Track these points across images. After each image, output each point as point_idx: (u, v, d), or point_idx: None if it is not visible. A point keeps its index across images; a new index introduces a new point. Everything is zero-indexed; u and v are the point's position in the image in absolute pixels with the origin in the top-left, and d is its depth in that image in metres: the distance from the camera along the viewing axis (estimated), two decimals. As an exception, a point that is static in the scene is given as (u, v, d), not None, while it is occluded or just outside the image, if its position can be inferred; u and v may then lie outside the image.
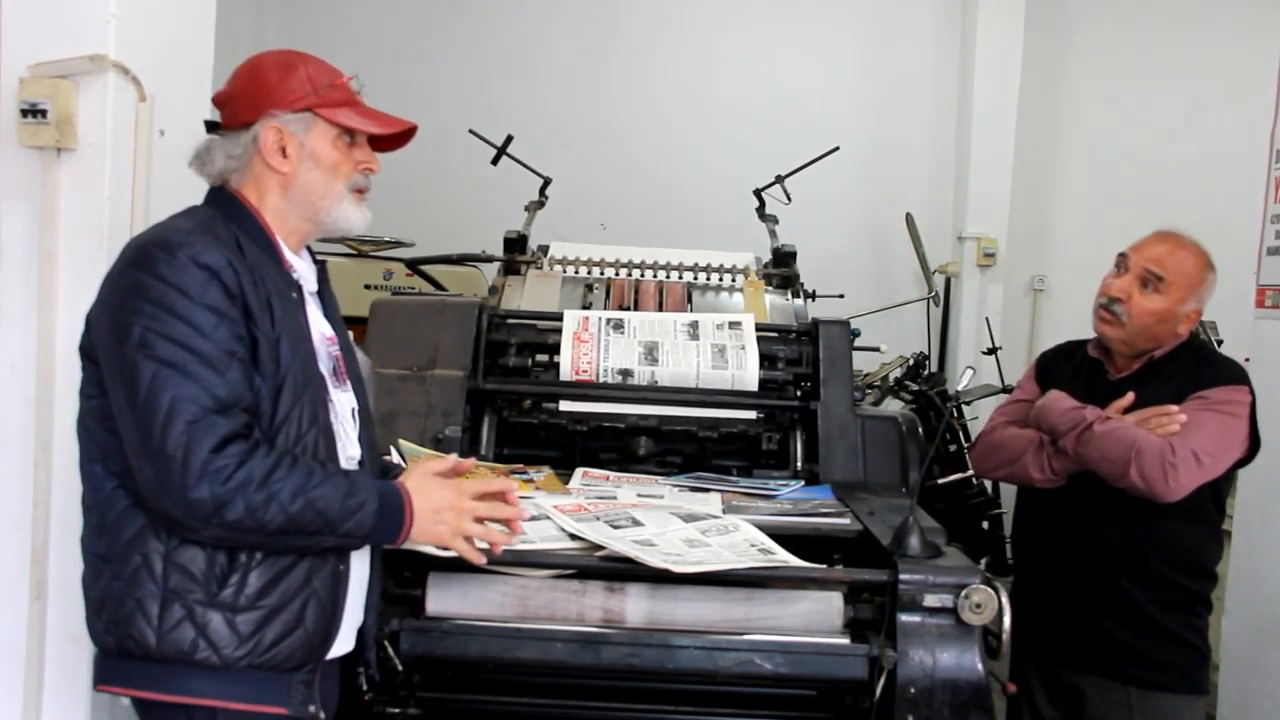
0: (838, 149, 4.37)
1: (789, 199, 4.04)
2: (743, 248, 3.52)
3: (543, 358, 2.84)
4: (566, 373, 2.70)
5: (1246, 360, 3.34)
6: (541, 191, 3.96)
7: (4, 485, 2.26)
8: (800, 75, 6.44)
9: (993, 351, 5.43)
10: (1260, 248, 3.38)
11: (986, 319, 5.83)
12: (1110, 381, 2.51)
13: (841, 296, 4.52)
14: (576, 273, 3.28)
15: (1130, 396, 2.40)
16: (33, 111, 2.17)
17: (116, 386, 1.57)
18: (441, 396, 2.64)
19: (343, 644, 1.76)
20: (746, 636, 1.95)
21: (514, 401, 2.81)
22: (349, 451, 1.79)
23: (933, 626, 1.90)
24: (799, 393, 2.82)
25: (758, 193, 4.00)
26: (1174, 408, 2.33)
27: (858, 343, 3.23)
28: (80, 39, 2.20)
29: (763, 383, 2.73)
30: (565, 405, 2.76)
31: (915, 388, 4.58)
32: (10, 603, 2.25)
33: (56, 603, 2.22)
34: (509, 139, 4.10)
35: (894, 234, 6.17)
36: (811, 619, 1.98)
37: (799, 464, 2.73)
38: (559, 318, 2.83)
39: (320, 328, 1.81)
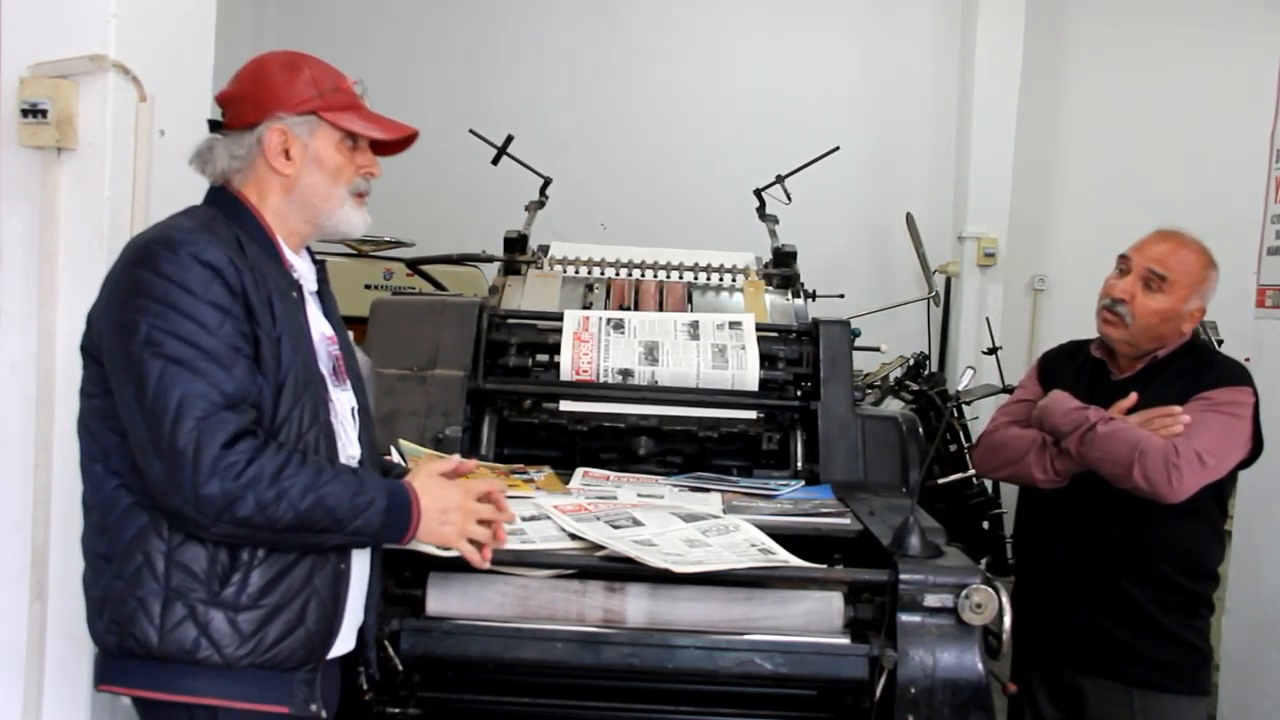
0: (838, 149, 4.37)
1: (789, 199, 4.04)
2: (743, 248, 3.52)
3: (543, 358, 2.84)
4: (567, 373, 2.70)
5: (1247, 360, 3.34)
6: (542, 191, 3.96)
7: (4, 485, 2.26)
8: (800, 75, 6.45)
9: (993, 351, 5.44)
10: (1260, 248, 3.38)
11: (987, 319, 5.83)
12: (1113, 382, 2.51)
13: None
14: (577, 273, 3.28)
15: (1133, 397, 2.39)
16: (33, 111, 2.17)
17: (124, 385, 1.57)
18: (442, 396, 2.64)
19: (343, 643, 1.76)
20: (747, 636, 1.95)
21: (514, 401, 2.81)
22: (349, 451, 1.79)
23: (933, 626, 1.90)
24: (799, 393, 2.82)
25: (758, 192, 4.00)
26: (1177, 408, 2.33)
27: (858, 343, 3.24)
28: (80, 39, 2.20)
29: (763, 383, 2.73)
30: (565, 405, 2.76)
31: (915, 388, 4.59)
32: (10, 603, 2.25)
33: (57, 603, 2.22)
34: (509, 139, 4.10)
35: (894, 234, 6.17)
36: (812, 619, 1.98)
37: (799, 464, 2.73)
38: (559, 318, 2.83)
39: (320, 327, 1.81)
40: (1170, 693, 2.42)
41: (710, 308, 3.16)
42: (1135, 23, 6.49)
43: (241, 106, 1.75)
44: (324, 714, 1.73)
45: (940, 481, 4.13)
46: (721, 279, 3.29)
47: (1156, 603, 2.40)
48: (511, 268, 3.29)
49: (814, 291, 3.55)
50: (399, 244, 5.00)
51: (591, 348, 2.73)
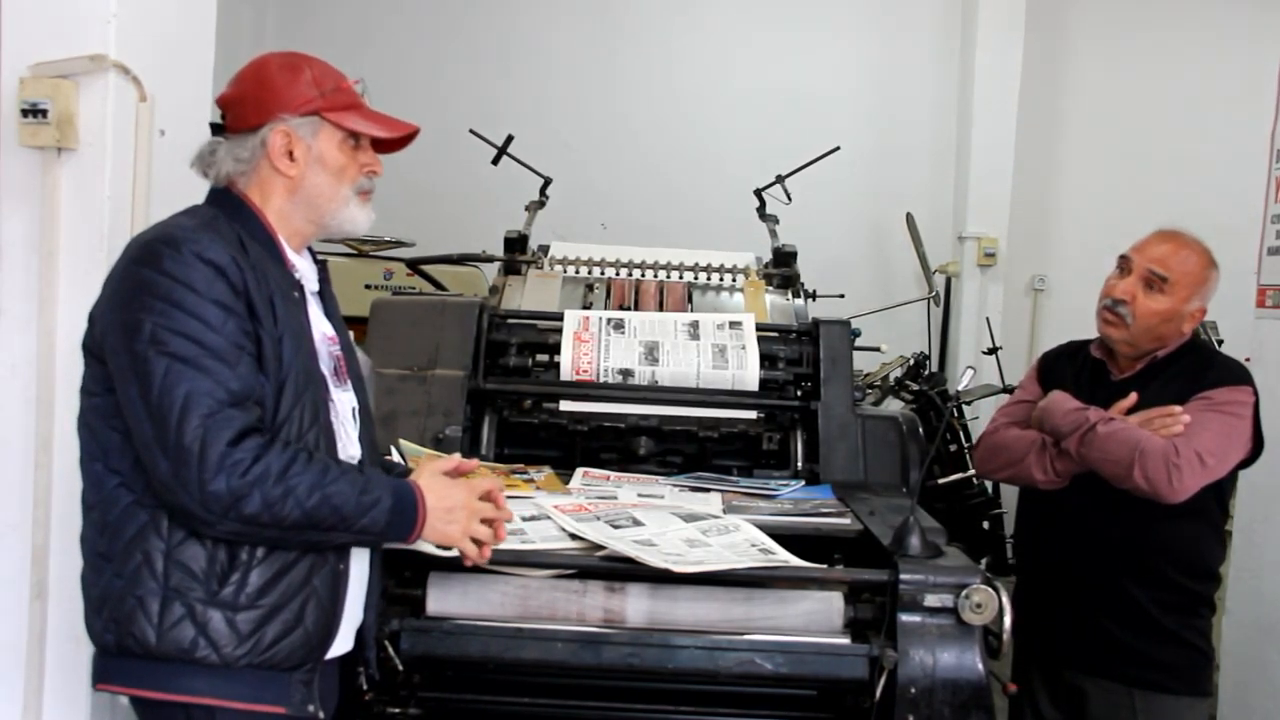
0: (838, 149, 4.37)
1: (789, 199, 4.04)
2: (743, 247, 3.52)
3: (543, 358, 2.84)
4: (567, 373, 2.70)
5: (1247, 360, 3.34)
6: (542, 191, 3.97)
7: (4, 485, 2.26)
8: (801, 75, 6.45)
9: (993, 351, 5.44)
10: (1261, 248, 3.38)
11: (987, 319, 5.83)
12: (1113, 382, 2.51)
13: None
14: (577, 272, 3.28)
15: (1133, 397, 2.39)
16: (33, 111, 2.18)
17: (128, 383, 1.57)
18: (442, 396, 2.64)
19: (342, 643, 1.76)
20: (747, 636, 1.95)
21: (514, 401, 2.81)
22: (349, 451, 1.79)
23: (933, 626, 1.90)
24: (799, 393, 2.82)
25: (758, 192, 4.00)
26: (1177, 408, 2.33)
27: (858, 343, 3.24)
28: (81, 39, 2.20)
29: (763, 383, 2.73)
30: (566, 405, 2.76)
31: (916, 387, 4.59)
32: (11, 602, 2.25)
33: (57, 602, 2.22)
34: (509, 139, 4.10)
35: (894, 234, 6.17)
36: (812, 619, 1.98)
37: (799, 464, 2.74)
38: (559, 318, 2.83)
39: (321, 327, 1.82)
40: (1171, 693, 2.42)
41: (710, 308, 3.16)
42: (1135, 23, 6.49)
43: (243, 109, 1.75)
44: (321, 714, 1.73)
45: (940, 481, 4.13)
46: (722, 279, 3.29)
47: (1157, 603, 2.40)
48: (512, 268, 3.29)
49: (814, 291, 3.55)
50: (399, 244, 5.01)
51: (592, 348, 2.73)
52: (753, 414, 2.81)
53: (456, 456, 1.87)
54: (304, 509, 1.57)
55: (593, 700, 2.06)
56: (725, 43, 6.50)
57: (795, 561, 1.99)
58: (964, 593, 1.89)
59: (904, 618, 1.91)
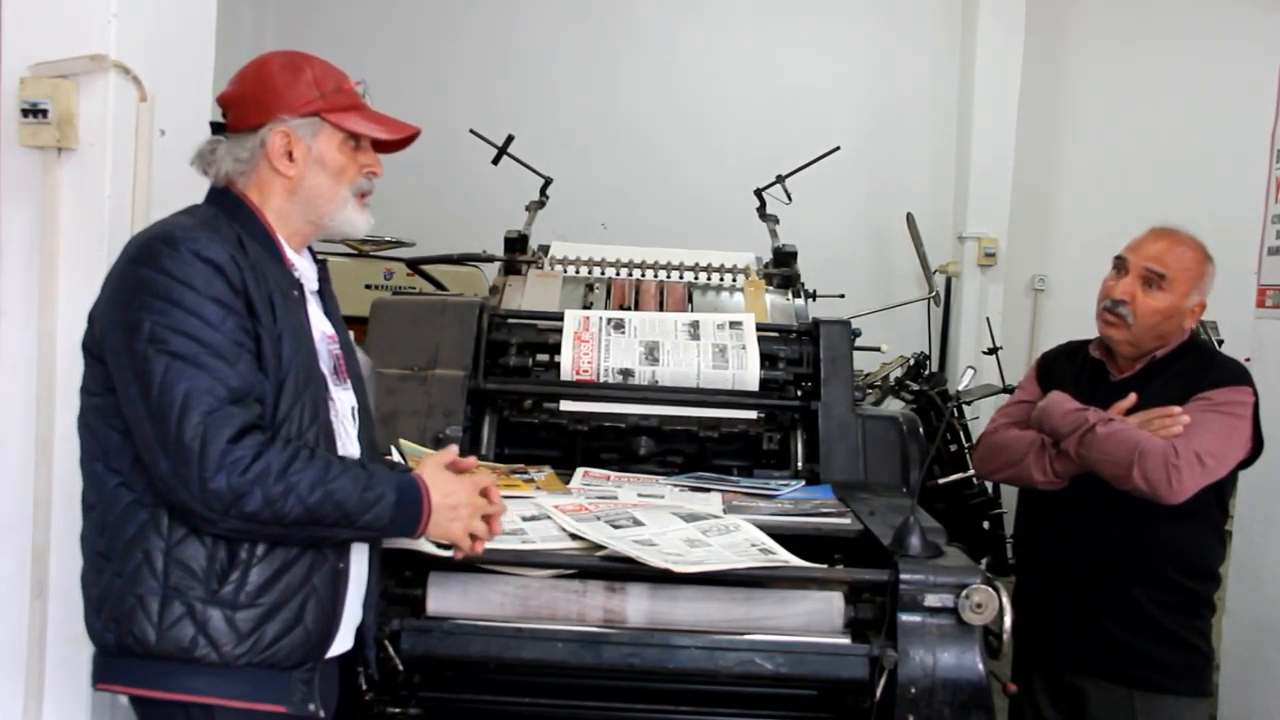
0: (838, 149, 4.37)
1: (790, 199, 4.04)
2: (743, 247, 3.52)
3: (543, 357, 2.84)
4: (567, 372, 2.70)
5: (1247, 360, 3.34)
6: (542, 191, 3.97)
7: (4, 485, 2.26)
8: (801, 75, 6.45)
9: (993, 351, 5.44)
10: (1261, 248, 3.38)
11: (987, 319, 5.83)
12: (1112, 382, 2.51)
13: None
14: (577, 272, 3.28)
15: (1132, 398, 2.39)
16: (33, 111, 2.18)
17: (128, 382, 1.57)
18: (442, 396, 2.64)
19: (342, 643, 1.76)
20: (747, 636, 1.95)
21: (515, 401, 2.81)
22: (348, 450, 1.79)
23: (933, 626, 1.90)
24: (799, 393, 2.82)
25: (758, 192, 4.01)
26: (1177, 409, 2.33)
27: (858, 342, 3.23)
28: (81, 39, 2.20)
29: (763, 382, 2.73)
30: (566, 405, 2.76)
31: (916, 387, 4.59)
32: (11, 602, 2.25)
33: (57, 602, 2.22)
34: (510, 139, 4.10)
35: (894, 234, 6.17)
36: (812, 619, 1.98)
37: (800, 464, 2.73)
38: (560, 317, 2.83)
39: (321, 326, 1.82)
40: (1171, 694, 2.42)
41: (711, 308, 3.16)
42: (1135, 23, 6.49)
43: (244, 108, 1.75)
44: (322, 713, 1.73)
45: (941, 481, 4.13)
46: (722, 279, 3.29)
47: (1157, 603, 2.40)
48: (512, 268, 3.29)
49: (814, 291, 3.55)
50: (399, 244, 5.01)
51: (592, 347, 2.73)
52: (753, 414, 2.81)
53: (454, 449, 1.86)
54: (306, 506, 1.57)
55: (593, 700, 2.06)
56: (725, 42, 6.50)
57: (795, 561, 1.99)
58: (964, 593, 1.89)
59: (904, 618, 1.90)
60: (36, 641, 2.24)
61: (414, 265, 4.30)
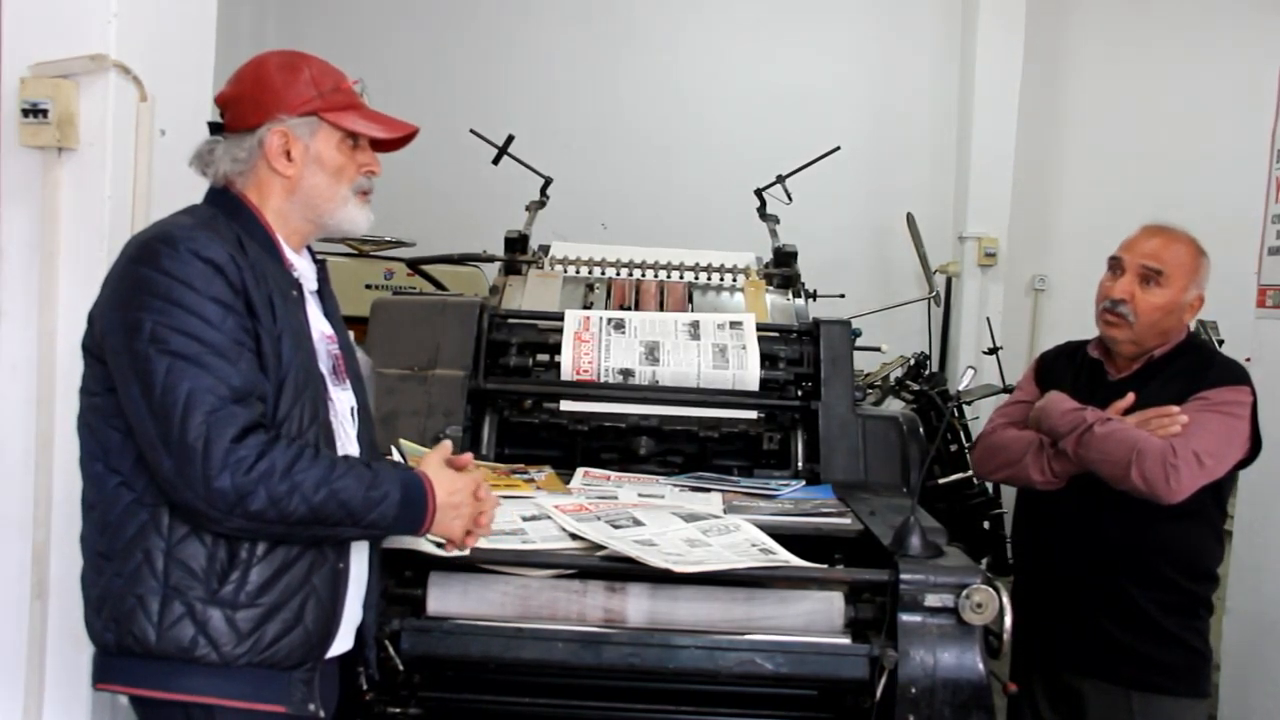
0: (839, 149, 4.37)
1: (790, 199, 4.04)
2: (744, 247, 3.52)
3: (544, 357, 2.84)
4: (567, 372, 2.70)
5: (1247, 360, 3.34)
6: (542, 191, 3.97)
7: (4, 485, 2.26)
8: (801, 75, 6.45)
9: (994, 351, 5.44)
10: (1261, 248, 3.38)
11: (987, 319, 5.83)
12: (1111, 382, 2.51)
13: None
14: (577, 272, 3.28)
15: (1131, 397, 2.39)
16: (34, 111, 2.18)
17: (130, 382, 1.57)
18: (442, 396, 2.64)
19: (342, 643, 1.76)
20: (747, 636, 1.95)
21: (515, 401, 2.81)
22: (348, 450, 1.79)
23: (934, 626, 1.90)
24: (800, 392, 2.82)
25: (759, 192, 4.01)
26: (1175, 409, 2.33)
27: (859, 342, 3.23)
28: (81, 39, 2.20)
29: (764, 382, 2.73)
30: (566, 405, 2.76)
31: (916, 387, 4.58)
32: (11, 602, 2.25)
33: (57, 602, 2.22)
34: (510, 139, 4.10)
35: (895, 234, 6.17)
36: (812, 619, 1.98)
37: (800, 464, 2.74)
38: (560, 317, 2.83)
39: (320, 326, 1.82)
40: (1170, 694, 2.42)
41: (711, 307, 3.16)
42: (1135, 23, 6.49)
43: (242, 108, 1.75)
44: (322, 713, 1.73)
45: (941, 481, 4.13)
46: (722, 279, 3.29)
47: (1156, 604, 2.40)
48: (512, 267, 3.29)
49: (815, 291, 3.55)
50: (400, 244, 5.00)
51: (592, 347, 2.73)
52: (753, 414, 2.81)
53: (448, 446, 1.84)
54: (310, 505, 1.57)
55: (593, 700, 2.06)
56: (725, 43, 6.50)
57: (796, 561, 1.99)
58: (964, 593, 1.89)
59: (904, 618, 1.91)
60: (36, 641, 2.24)
61: (414, 265, 4.30)
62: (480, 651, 1.95)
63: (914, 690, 1.87)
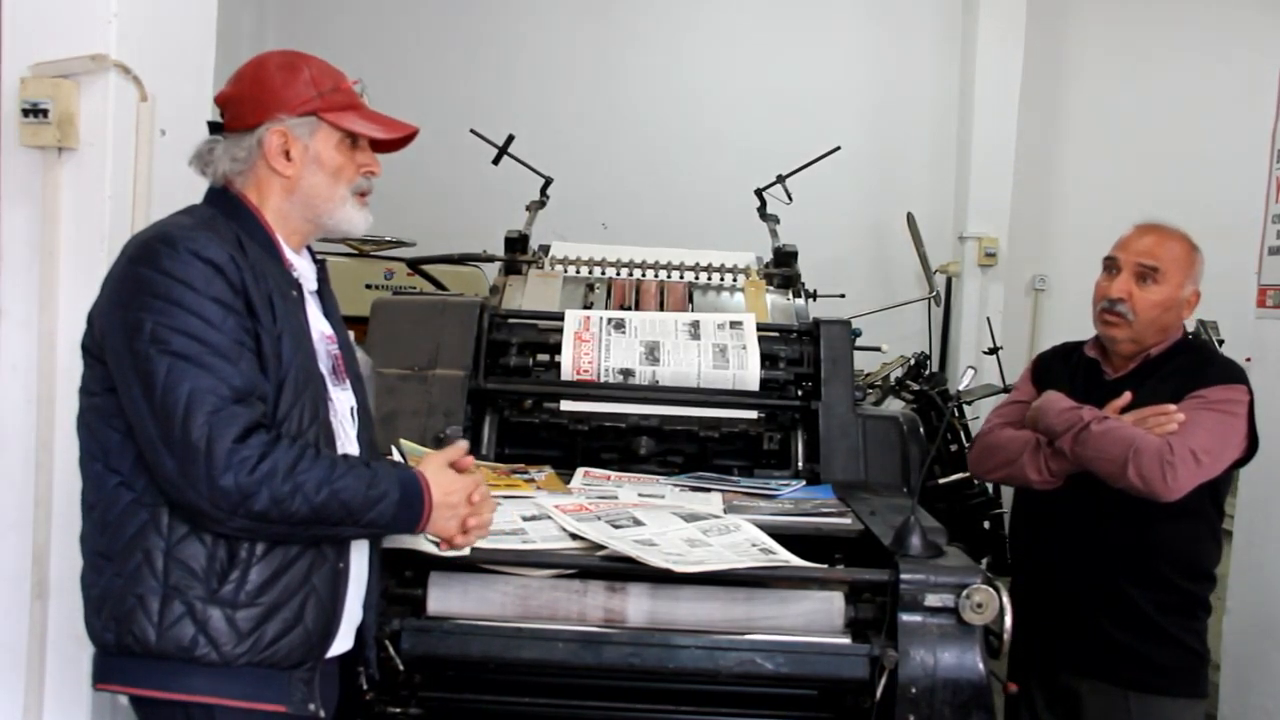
0: (839, 149, 4.37)
1: (790, 199, 4.04)
2: (744, 247, 3.52)
3: (544, 357, 2.84)
4: (568, 372, 2.70)
5: (1248, 360, 3.34)
6: (543, 191, 3.97)
7: (5, 485, 2.26)
8: (802, 75, 6.45)
9: (994, 351, 5.43)
10: (1261, 248, 3.38)
11: (988, 319, 5.83)
12: (1107, 381, 2.51)
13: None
14: (578, 272, 3.28)
15: (1127, 396, 2.39)
16: (34, 111, 2.18)
17: (130, 383, 1.57)
18: (443, 396, 2.64)
19: (342, 642, 1.76)
20: (748, 636, 1.96)
21: (515, 401, 2.81)
22: (347, 450, 1.79)
23: (934, 626, 1.90)
24: (800, 392, 2.82)
25: (759, 192, 4.01)
26: (1172, 407, 2.33)
27: (859, 342, 3.24)
28: (81, 39, 2.20)
29: (764, 382, 2.73)
30: (566, 405, 2.76)
31: (916, 387, 4.58)
32: (12, 602, 2.25)
33: (58, 602, 2.22)
34: (510, 139, 4.10)
35: (895, 234, 6.17)
36: (813, 619, 1.98)
37: (800, 464, 2.74)
38: (560, 317, 2.83)
39: (320, 326, 1.82)
40: (1167, 695, 2.41)
41: (711, 307, 3.16)
42: (1136, 23, 6.49)
43: (241, 108, 1.75)
44: (322, 713, 1.73)
45: (941, 481, 4.12)
46: (722, 279, 3.29)
47: (1154, 603, 2.39)
48: (512, 267, 3.29)
49: (815, 291, 3.55)
50: (400, 244, 5.00)
51: (592, 347, 2.73)
52: (753, 414, 2.81)
53: (462, 446, 1.84)
54: (312, 505, 1.58)
55: (593, 700, 2.06)
56: (726, 43, 6.49)
57: (796, 561, 1.99)
58: (965, 592, 1.89)
59: (905, 617, 1.91)
60: (37, 641, 2.24)
61: (414, 265, 4.30)
62: (480, 651, 1.95)
63: (914, 690, 1.87)
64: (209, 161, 1.76)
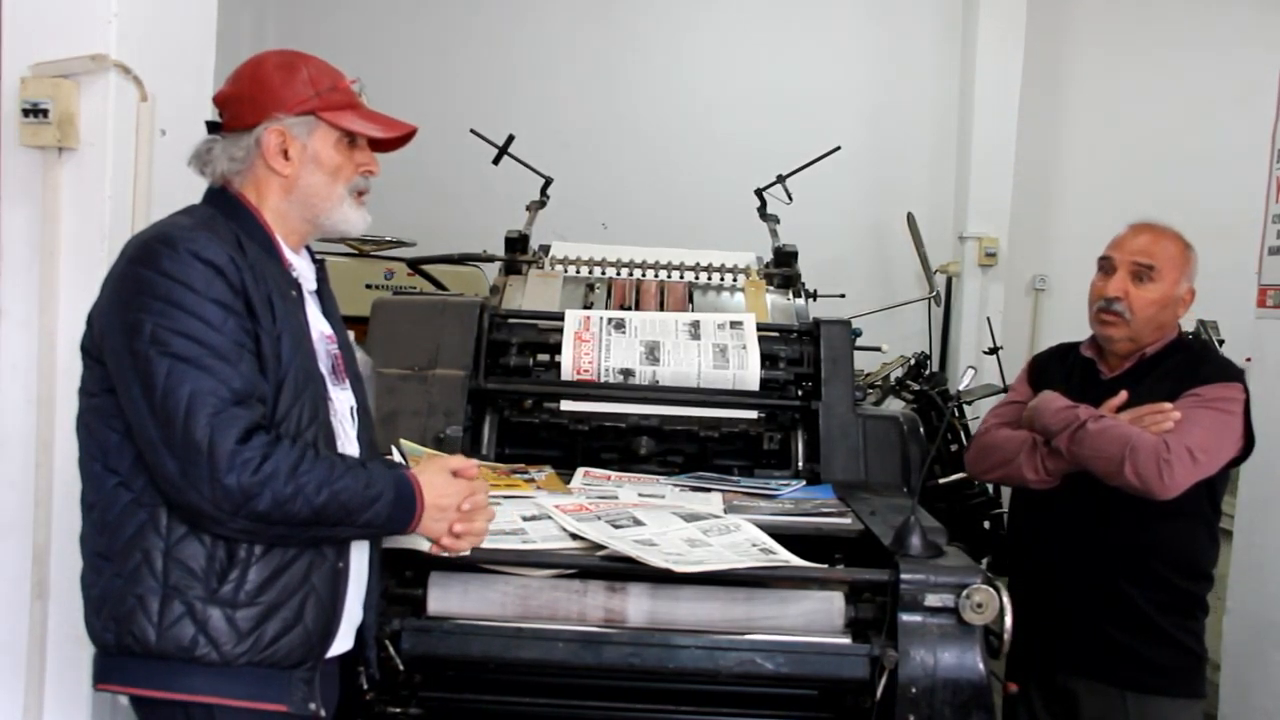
0: (839, 149, 4.37)
1: (790, 198, 4.04)
2: (744, 247, 3.52)
3: (544, 357, 2.84)
4: (568, 372, 2.70)
5: (1248, 360, 3.34)
6: (543, 191, 3.96)
7: (5, 485, 2.26)
8: (802, 75, 6.45)
9: (994, 351, 5.43)
10: (1261, 248, 3.38)
11: (988, 319, 5.82)
12: (1103, 381, 2.51)
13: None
14: (578, 272, 3.28)
15: (1123, 395, 2.39)
16: (34, 111, 2.18)
17: (130, 384, 1.57)
18: (443, 396, 2.64)
19: (342, 642, 1.76)
20: (748, 636, 1.96)
21: (515, 401, 2.81)
22: (347, 450, 1.79)
23: (934, 626, 1.90)
24: (800, 392, 2.82)
25: (759, 192, 4.00)
26: (1168, 405, 2.33)
27: (859, 342, 3.23)
28: (82, 39, 2.20)
29: (764, 382, 2.73)
30: (566, 405, 2.76)
31: (916, 387, 4.58)
32: (12, 602, 2.25)
33: (58, 602, 2.22)
34: (510, 138, 4.10)
35: (895, 233, 6.17)
36: (813, 619, 1.98)
37: (800, 464, 2.74)
38: (560, 317, 2.83)
39: (319, 326, 1.82)
40: (1166, 695, 2.41)
41: (711, 307, 3.16)
42: (1136, 23, 6.49)
43: (239, 107, 1.75)
44: (323, 713, 1.72)
45: (941, 481, 4.12)
46: (722, 279, 3.29)
47: (1154, 603, 2.40)
48: (512, 267, 3.29)
49: (815, 291, 3.54)
50: (400, 244, 5.00)
51: (592, 347, 2.73)
52: (753, 414, 2.81)
53: (459, 458, 1.86)
54: (313, 506, 1.58)
55: (593, 700, 2.06)
56: (726, 43, 6.49)
57: (796, 561, 1.99)
58: (965, 592, 1.89)
59: (905, 617, 1.91)
60: (37, 642, 2.24)
61: (414, 265, 4.30)
62: (481, 651, 1.95)
63: (914, 690, 1.87)
64: (207, 161, 1.76)
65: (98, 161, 2.23)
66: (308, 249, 1.86)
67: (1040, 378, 2.62)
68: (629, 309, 3.04)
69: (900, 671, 1.87)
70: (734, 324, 2.82)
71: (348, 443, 1.80)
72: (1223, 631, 3.35)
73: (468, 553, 1.83)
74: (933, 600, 1.90)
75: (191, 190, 1.82)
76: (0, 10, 2.21)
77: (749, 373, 2.71)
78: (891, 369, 4.86)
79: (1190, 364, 2.45)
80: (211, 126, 1.79)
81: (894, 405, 4.52)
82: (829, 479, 2.62)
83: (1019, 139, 6.29)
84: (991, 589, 1.89)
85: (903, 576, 1.91)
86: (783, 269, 3.37)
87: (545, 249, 3.41)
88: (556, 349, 2.76)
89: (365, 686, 1.89)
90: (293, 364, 1.66)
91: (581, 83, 6.43)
